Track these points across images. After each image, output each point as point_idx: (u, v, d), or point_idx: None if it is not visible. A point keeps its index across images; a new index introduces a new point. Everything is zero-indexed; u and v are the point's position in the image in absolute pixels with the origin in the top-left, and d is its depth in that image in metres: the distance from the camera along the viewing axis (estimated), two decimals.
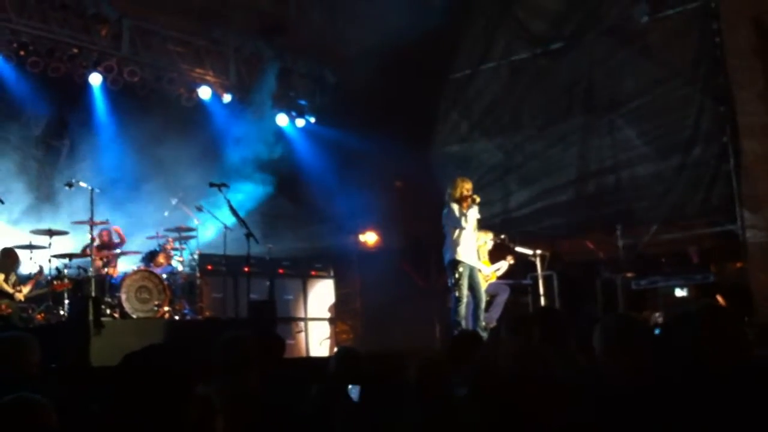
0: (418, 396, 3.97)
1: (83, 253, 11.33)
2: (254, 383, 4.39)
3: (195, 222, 12.33)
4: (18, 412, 3.32)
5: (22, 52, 12.43)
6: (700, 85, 12.30)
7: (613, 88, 13.15)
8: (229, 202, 11.29)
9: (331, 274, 14.53)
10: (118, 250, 11.96)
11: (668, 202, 12.48)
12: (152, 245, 12.14)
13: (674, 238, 12.60)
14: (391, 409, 3.81)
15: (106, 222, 11.49)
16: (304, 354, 13.36)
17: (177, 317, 11.31)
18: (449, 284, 10.46)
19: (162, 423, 3.08)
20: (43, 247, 11.13)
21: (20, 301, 10.60)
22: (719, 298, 8.14)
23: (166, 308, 11.15)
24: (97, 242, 11.47)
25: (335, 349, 10.40)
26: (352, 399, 4.96)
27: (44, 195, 12.72)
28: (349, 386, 4.81)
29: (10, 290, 10.55)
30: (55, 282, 10.86)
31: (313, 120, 15.87)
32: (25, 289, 10.82)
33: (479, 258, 11.00)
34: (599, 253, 13.30)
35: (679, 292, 11.46)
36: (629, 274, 11.95)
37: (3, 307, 10.32)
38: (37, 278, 11.01)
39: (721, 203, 12.05)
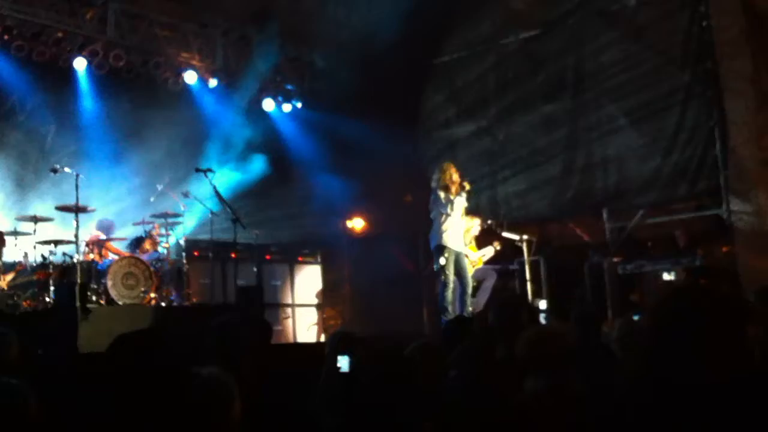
0: (417, 375, 3.97)
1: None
2: (247, 370, 4.36)
3: (181, 208, 12.25)
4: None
5: (6, 36, 12.31)
6: (689, 69, 12.28)
7: (600, 72, 13.10)
8: (215, 187, 11.26)
9: (319, 259, 14.54)
10: (103, 237, 11.87)
11: (656, 186, 12.49)
12: (138, 231, 12.08)
13: (661, 221, 12.64)
14: (387, 385, 3.80)
15: (93, 209, 11.39)
16: (291, 340, 13.36)
17: (164, 303, 11.26)
18: (435, 269, 10.48)
19: (164, 408, 3.05)
20: (28, 234, 11.05)
21: (2, 289, 10.52)
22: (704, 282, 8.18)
23: (153, 294, 11.09)
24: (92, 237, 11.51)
25: (331, 333, 10.38)
26: (340, 370, 4.95)
27: (29, 181, 12.62)
28: (338, 357, 4.80)
29: None
30: (39, 270, 10.78)
31: (299, 105, 15.80)
32: (8, 277, 10.74)
33: (466, 243, 11.01)
34: (587, 237, 13.33)
35: (667, 276, 11.48)
36: (617, 259, 11.97)
37: None
38: (19, 269, 10.93)
39: (708, 187, 12.07)
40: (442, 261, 10.21)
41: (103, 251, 11.53)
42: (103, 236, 11.74)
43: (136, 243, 11.81)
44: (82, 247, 11.13)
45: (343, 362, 4.72)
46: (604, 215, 12.82)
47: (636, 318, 6.36)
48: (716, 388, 2.31)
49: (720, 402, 2.28)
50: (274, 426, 4.17)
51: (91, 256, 11.23)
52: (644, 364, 2.57)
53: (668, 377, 2.39)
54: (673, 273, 11.45)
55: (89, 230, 11.68)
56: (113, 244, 11.83)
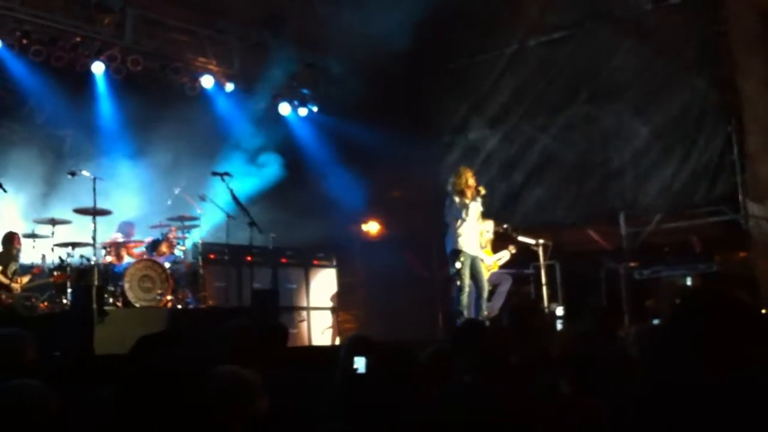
0: (430, 379, 4.00)
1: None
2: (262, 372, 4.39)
3: (198, 211, 12.32)
4: (14, 398, 3.32)
5: (24, 41, 12.40)
6: (705, 74, 12.24)
7: (616, 77, 13.08)
8: (231, 191, 11.32)
9: (334, 263, 14.54)
10: (122, 239, 11.94)
11: (672, 192, 12.44)
12: (155, 234, 12.15)
13: (678, 227, 12.58)
14: (402, 386, 3.83)
15: (110, 212, 11.45)
16: (306, 343, 13.37)
17: (180, 306, 11.31)
18: (451, 274, 10.49)
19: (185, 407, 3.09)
20: (46, 237, 11.14)
21: (17, 291, 10.59)
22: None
23: (169, 297, 11.15)
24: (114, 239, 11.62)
25: (346, 337, 10.41)
26: (357, 371, 4.98)
27: (47, 184, 12.70)
28: (355, 358, 4.83)
29: (6, 281, 10.53)
30: (55, 273, 10.85)
31: (315, 109, 15.85)
32: (24, 280, 10.82)
33: (481, 247, 11.02)
34: (602, 242, 13.30)
35: (684, 281, 11.46)
36: (632, 264, 11.94)
37: (3, 297, 10.31)
38: (35, 272, 11.00)
39: (725, 193, 12.01)
40: (457, 265, 10.23)
41: (122, 253, 11.60)
42: (121, 239, 11.82)
43: (153, 246, 11.86)
44: (101, 250, 11.21)
45: (360, 363, 4.75)
46: (621, 221, 12.78)
47: (656, 323, 6.36)
48: (716, 388, 2.31)
49: (721, 403, 2.29)
50: (288, 428, 4.19)
51: (109, 258, 11.31)
52: (655, 365, 2.58)
53: (669, 378, 2.40)
54: (689, 279, 11.42)
55: (109, 233, 11.78)
56: (132, 247, 11.91)
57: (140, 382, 3.41)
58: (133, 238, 12.04)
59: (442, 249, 10.79)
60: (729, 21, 11.96)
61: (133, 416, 3.50)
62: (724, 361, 2.35)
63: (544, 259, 12.29)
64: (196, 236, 12.46)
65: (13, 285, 10.58)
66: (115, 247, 11.55)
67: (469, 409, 3.43)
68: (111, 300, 10.48)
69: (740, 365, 2.35)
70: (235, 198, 11.31)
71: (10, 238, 10.90)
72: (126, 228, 12.10)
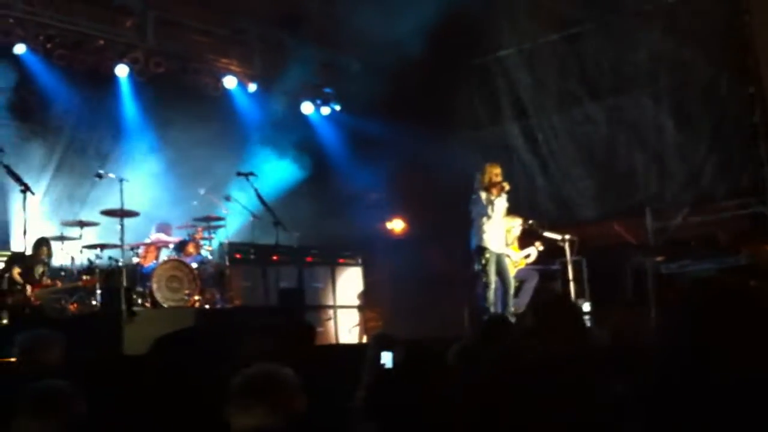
0: (456, 376, 4.01)
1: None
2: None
3: (223, 211, 12.39)
4: (44, 398, 3.36)
5: (48, 45, 12.51)
6: (729, 65, 12.15)
7: (640, 71, 13.01)
8: (257, 191, 11.36)
9: (359, 261, 14.55)
10: (164, 237, 12.08)
11: (698, 185, 12.37)
12: (182, 235, 12.23)
13: (704, 220, 12.49)
14: (429, 383, 3.84)
15: (137, 214, 11.52)
16: (333, 341, 13.40)
17: (207, 306, 11.37)
18: (476, 271, 10.47)
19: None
20: (75, 239, 11.23)
21: (31, 293, 10.59)
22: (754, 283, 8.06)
23: (197, 297, 11.23)
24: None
25: (371, 335, 10.44)
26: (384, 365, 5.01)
27: (74, 187, 12.81)
28: (382, 353, 4.86)
29: (20, 280, 10.49)
30: (84, 276, 10.91)
31: (338, 108, 15.88)
32: (50, 287, 10.84)
33: (507, 243, 10.99)
34: (629, 237, 13.22)
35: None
36: (659, 258, 11.86)
37: (32, 299, 10.37)
38: (54, 283, 10.98)
39: (751, 185, 11.93)
40: (483, 262, 10.20)
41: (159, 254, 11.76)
42: (164, 237, 11.95)
43: (180, 246, 11.93)
44: (129, 251, 11.30)
45: (387, 358, 4.78)
46: (647, 215, 12.71)
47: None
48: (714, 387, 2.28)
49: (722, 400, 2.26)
50: (319, 426, 4.21)
51: (147, 258, 11.43)
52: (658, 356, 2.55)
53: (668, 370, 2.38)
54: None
55: (137, 234, 11.89)
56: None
57: (161, 383, 3.44)
58: (171, 238, 12.17)
59: (468, 246, 10.77)
60: (753, 10, 11.86)
61: (158, 416, 3.53)
62: (720, 357, 2.31)
63: (571, 255, 12.24)
64: (222, 236, 12.53)
65: (28, 286, 10.57)
66: (157, 246, 11.71)
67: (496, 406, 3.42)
68: (140, 301, 10.57)
69: (741, 361, 2.30)
70: (260, 197, 11.35)
71: (39, 244, 10.97)
72: (164, 228, 12.24)
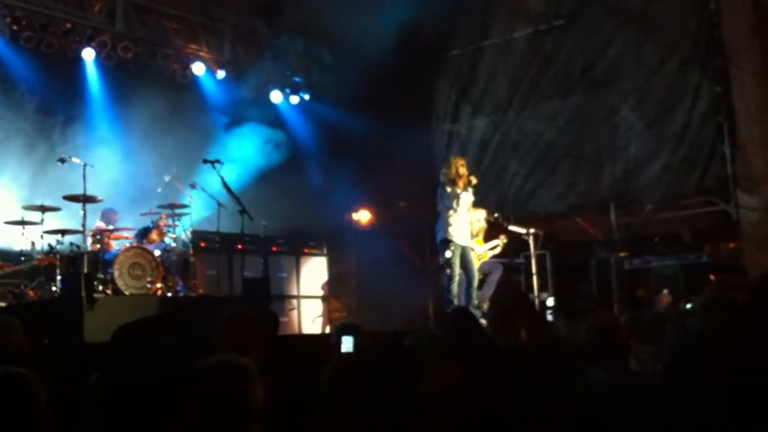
0: (416, 366, 4.00)
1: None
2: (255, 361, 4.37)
3: (188, 199, 12.28)
4: (1, 385, 3.29)
5: (15, 27, 12.37)
6: (698, 64, 12.23)
7: (610, 68, 13.06)
8: (222, 178, 11.28)
9: (325, 251, 14.54)
10: (111, 227, 11.88)
11: (664, 182, 12.44)
12: (145, 222, 12.09)
13: (669, 217, 12.60)
14: (392, 373, 3.83)
15: (100, 199, 11.38)
16: (296, 332, 13.38)
17: (170, 294, 11.28)
18: (441, 263, 10.50)
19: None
20: (36, 224, 11.07)
21: None
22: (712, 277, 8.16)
23: (159, 285, 11.11)
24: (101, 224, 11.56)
25: (335, 325, 10.41)
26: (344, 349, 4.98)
27: (36, 171, 12.63)
28: (342, 337, 4.83)
29: None
30: (38, 256, 10.77)
31: (307, 97, 15.80)
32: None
33: (473, 237, 11.01)
34: (593, 232, 13.31)
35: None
36: (623, 254, 11.95)
37: None
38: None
39: (716, 183, 12.02)
40: (447, 254, 10.23)
41: (107, 241, 11.50)
42: (104, 226, 11.75)
43: (143, 233, 11.80)
44: (89, 237, 11.15)
45: (347, 342, 4.75)
46: (612, 211, 12.79)
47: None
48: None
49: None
50: (282, 416, 4.18)
51: (98, 246, 11.25)
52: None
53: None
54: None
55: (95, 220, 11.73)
56: (120, 233, 11.85)
57: (124, 371, 3.39)
58: (115, 225, 11.97)
59: (434, 239, 10.78)
60: (724, 12, 11.95)
61: (120, 405, 3.48)
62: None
63: (535, 249, 12.32)
64: (186, 224, 12.41)
65: None
66: (99, 235, 11.46)
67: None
68: (101, 287, 10.43)
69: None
70: (226, 185, 11.26)
71: None
72: (108, 215, 12.04)
